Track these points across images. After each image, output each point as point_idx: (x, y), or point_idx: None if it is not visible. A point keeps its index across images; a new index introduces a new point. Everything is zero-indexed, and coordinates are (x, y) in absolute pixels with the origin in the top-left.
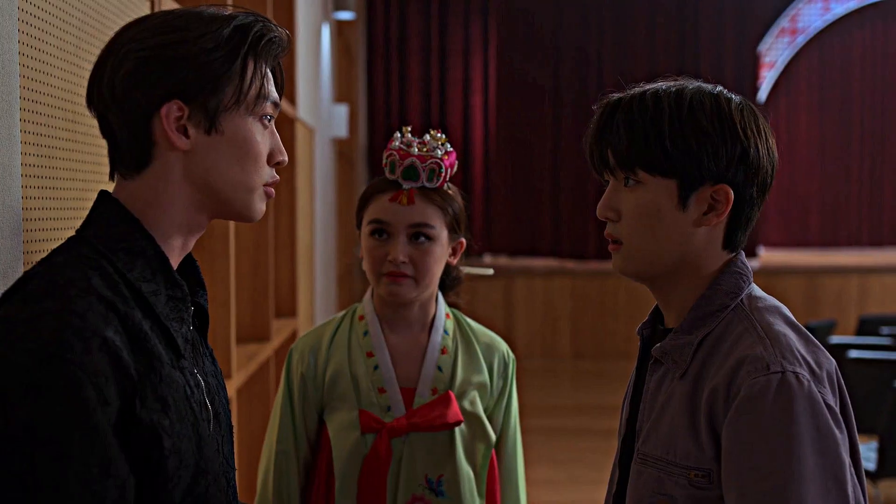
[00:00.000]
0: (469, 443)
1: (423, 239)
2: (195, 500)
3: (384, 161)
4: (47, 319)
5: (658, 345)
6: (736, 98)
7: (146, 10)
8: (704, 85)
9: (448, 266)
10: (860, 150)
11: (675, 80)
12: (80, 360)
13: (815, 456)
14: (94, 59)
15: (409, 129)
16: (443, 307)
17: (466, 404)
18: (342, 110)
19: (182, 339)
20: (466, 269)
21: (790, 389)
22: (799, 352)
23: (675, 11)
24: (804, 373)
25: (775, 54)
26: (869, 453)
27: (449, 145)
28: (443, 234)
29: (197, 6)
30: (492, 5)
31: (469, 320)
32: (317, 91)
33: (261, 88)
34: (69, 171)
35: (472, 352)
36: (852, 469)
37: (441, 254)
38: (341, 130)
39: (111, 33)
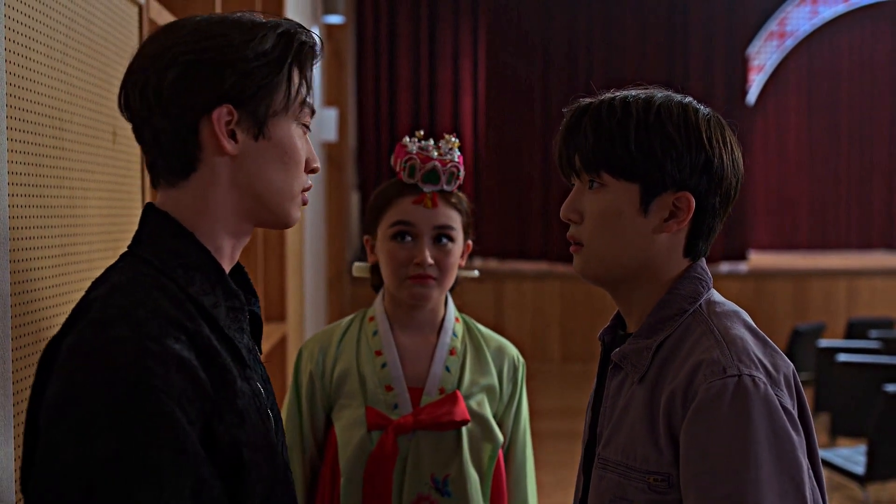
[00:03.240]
0: (475, 444)
1: (445, 241)
2: None
3: (401, 165)
4: (123, 346)
5: (617, 349)
6: (704, 109)
7: (134, 17)
8: (674, 94)
9: None
10: (848, 152)
11: (646, 88)
12: (164, 385)
13: (772, 459)
14: (81, 65)
15: (422, 132)
16: (452, 310)
17: (473, 405)
18: (332, 114)
19: (245, 349)
20: (460, 273)
21: (746, 393)
22: (756, 355)
23: (665, 15)
24: (761, 376)
25: (764, 57)
26: (858, 457)
27: (458, 150)
28: (460, 235)
29: (222, 13)
30: (481, 8)
31: (479, 325)
32: None
33: (305, 96)
34: (57, 178)
35: (481, 355)
36: (811, 471)
37: (458, 255)
38: (331, 134)
39: (99, 40)
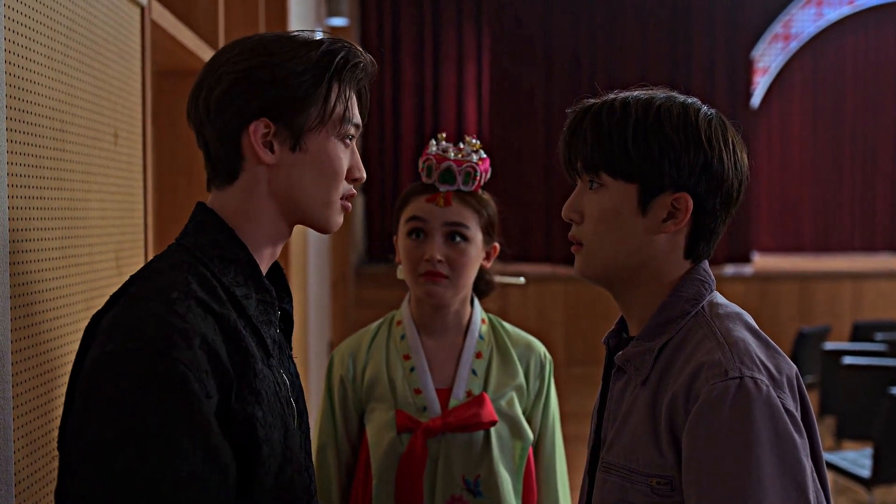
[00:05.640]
0: (505, 443)
1: (458, 239)
2: (282, 487)
3: (421, 166)
4: (152, 320)
5: (620, 352)
6: (706, 109)
7: (136, 19)
8: (677, 95)
9: (482, 271)
10: (852, 155)
11: (651, 89)
12: (185, 357)
13: (775, 460)
14: (82, 66)
15: (444, 135)
16: (478, 312)
17: (503, 405)
18: None
19: (271, 339)
20: (498, 279)
21: (748, 394)
22: (758, 357)
23: (668, 18)
24: (763, 378)
25: (769, 60)
26: (864, 460)
27: (483, 152)
28: (478, 236)
29: (286, 31)
30: (484, 11)
31: (506, 324)
32: None
33: (345, 111)
34: (57, 180)
35: (507, 356)
36: (814, 474)
37: (476, 256)
38: None
39: (100, 41)
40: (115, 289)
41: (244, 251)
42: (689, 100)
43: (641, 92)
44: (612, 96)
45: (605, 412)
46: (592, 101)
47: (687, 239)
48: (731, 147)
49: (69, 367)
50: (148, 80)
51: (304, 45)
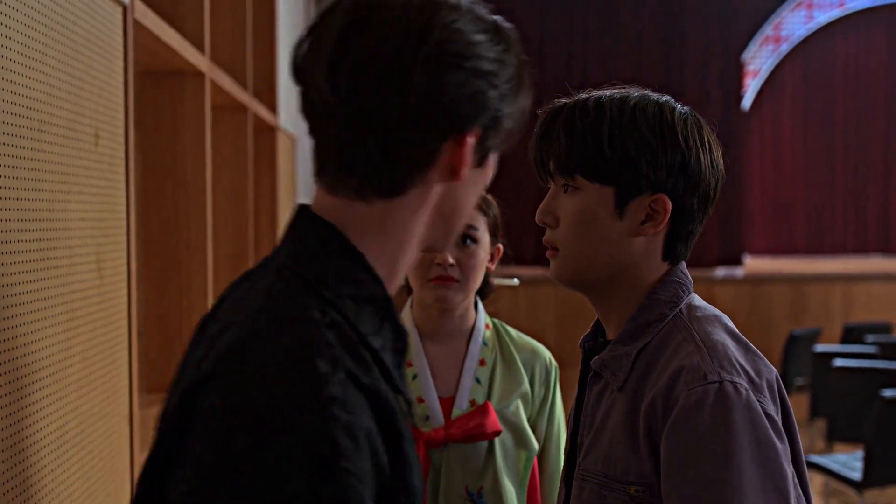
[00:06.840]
0: (509, 453)
1: (469, 242)
2: None
3: None
4: (304, 411)
5: (597, 357)
6: (681, 108)
7: (118, 18)
8: (650, 94)
9: (485, 273)
10: (844, 157)
11: (623, 87)
12: (355, 466)
13: (755, 466)
14: (62, 66)
15: None
16: (482, 317)
17: (508, 414)
18: None
19: (409, 403)
20: (495, 280)
21: (728, 399)
22: (737, 360)
23: (661, 20)
24: (742, 382)
25: (759, 62)
26: (855, 462)
27: None
28: (485, 237)
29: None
30: None
31: (510, 330)
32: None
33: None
34: (35, 181)
35: (512, 363)
36: (796, 479)
37: (484, 258)
38: None
39: (81, 40)
40: (94, 292)
41: (380, 286)
42: (663, 98)
43: (614, 91)
44: (584, 96)
45: (582, 418)
46: (564, 100)
47: (665, 241)
48: (707, 146)
49: (46, 373)
50: (130, 79)
51: (497, 30)
